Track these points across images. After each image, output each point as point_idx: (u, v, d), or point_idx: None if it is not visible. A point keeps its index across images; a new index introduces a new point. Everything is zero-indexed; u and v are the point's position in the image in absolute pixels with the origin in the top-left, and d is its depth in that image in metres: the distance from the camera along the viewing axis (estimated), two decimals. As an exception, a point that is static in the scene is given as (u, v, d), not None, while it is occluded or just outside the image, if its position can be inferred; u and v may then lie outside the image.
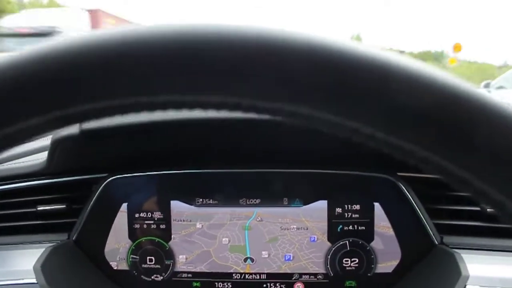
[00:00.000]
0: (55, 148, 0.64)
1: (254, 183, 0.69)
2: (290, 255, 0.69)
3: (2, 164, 0.77)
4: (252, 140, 0.66)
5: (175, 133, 0.64)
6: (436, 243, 0.67)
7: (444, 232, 0.68)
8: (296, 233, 0.69)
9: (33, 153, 0.80)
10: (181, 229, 0.70)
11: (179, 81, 0.18)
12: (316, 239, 0.69)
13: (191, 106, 0.19)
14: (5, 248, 0.72)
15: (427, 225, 0.67)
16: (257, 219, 0.69)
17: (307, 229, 0.69)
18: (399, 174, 0.68)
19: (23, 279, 0.66)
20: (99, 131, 0.58)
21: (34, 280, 0.63)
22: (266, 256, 0.69)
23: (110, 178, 0.70)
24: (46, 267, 0.64)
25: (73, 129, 0.61)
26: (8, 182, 0.74)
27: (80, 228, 0.71)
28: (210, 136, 0.66)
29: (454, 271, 0.62)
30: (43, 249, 0.67)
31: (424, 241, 0.68)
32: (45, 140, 0.83)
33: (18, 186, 0.74)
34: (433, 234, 0.67)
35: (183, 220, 0.69)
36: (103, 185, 0.70)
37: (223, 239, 0.69)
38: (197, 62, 0.18)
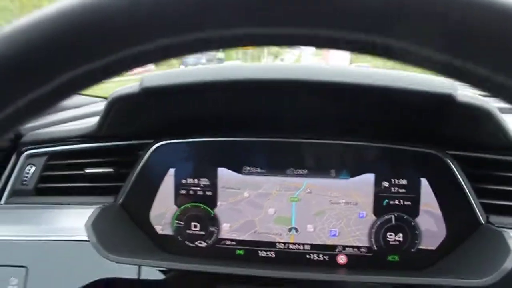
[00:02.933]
0: (111, 106, 0.65)
1: (302, 153, 0.69)
2: (336, 231, 0.69)
3: (55, 126, 0.79)
4: (302, 109, 0.66)
5: (226, 98, 0.64)
6: (483, 222, 0.67)
7: (490, 212, 0.68)
8: (344, 208, 0.69)
9: (83, 117, 0.82)
10: (228, 196, 0.70)
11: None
12: (365, 216, 0.69)
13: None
14: (55, 207, 0.74)
15: (474, 204, 0.67)
16: (306, 191, 0.69)
17: (356, 204, 0.69)
18: (448, 151, 0.68)
19: (74, 235, 0.67)
20: (160, 88, 0.59)
21: (85, 238, 0.65)
22: (312, 230, 0.70)
23: (158, 144, 0.71)
24: (96, 226, 0.66)
25: (133, 88, 0.62)
26: (59, 143, 0.76)
27: (126, 192, 0.72)
28: (260, 104, 0.67)
29: (503, 249, 0.61)
30: (91, 210, 0.69)
31: (470, 220, 0.67)
32: (95, 106, 0.85)
33: (68, 148, 0.76)
34: (480, 213, 0.67)
35: (231, 188, 0.70)
36: (150, 150, 0.71)
37: (269, 210, 0.70)
38: None
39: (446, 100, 0.57)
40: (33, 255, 0.67)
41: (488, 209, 0.68)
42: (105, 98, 0.84)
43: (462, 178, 0.67)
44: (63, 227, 0.69)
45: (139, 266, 0.67)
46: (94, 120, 0.74)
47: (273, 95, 0.61)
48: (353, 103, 0.62)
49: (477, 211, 0.67)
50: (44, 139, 0.77)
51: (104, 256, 0.63)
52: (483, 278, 0.59)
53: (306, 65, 0.63)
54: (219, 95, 0.61)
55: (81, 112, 0.86)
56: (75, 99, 0.93)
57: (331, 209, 0.69)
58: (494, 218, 0.68)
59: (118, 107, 0.65)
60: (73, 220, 0.70)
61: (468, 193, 0.67)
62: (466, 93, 0.60)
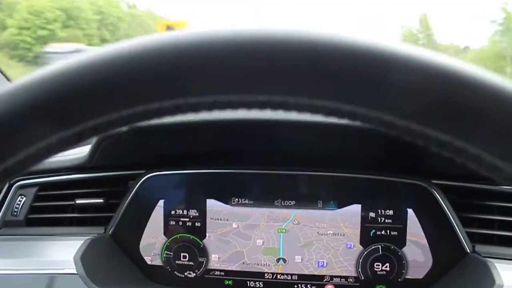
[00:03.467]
0: (100, 143, 0.66)
1: (290, 184, 0.70)
2: (324, 262, 0.70)
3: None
4: (289, 142, 0.68)
5: (214, 133, 0.66)
6: (468, 251, 0.68)
7: (476, 241, 0.69)
8: (332, 239, 0.70)
9: (75, 147, 0.82)
10: (217, 227, 0.71)
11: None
12: (352, 246, 0.69)
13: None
14: (45, 239, 0.74)
15: (460, 233, 0.68)
16: (294, 222, 0.70)
17: (343, 235, 0.69)
18: (433, 181, 0.69)
19: (63, 269, 0.68)
20: (147, 127, 0.60)
21: (73, 271, 0.65)
22: (299, 260, 0.70)
23: (148, 175, 0.72)
24: (85, 258, 0.66)
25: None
26: (50, 174, 0.76)
27: (116, 222, 0.73)
28: (248, 137, 0.68)
29: (487, 280, 0.62)
30: (81, 241, 0.69)
31: (456, 249, 0.68)
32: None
33: (59, 179, 0.76)
34: (465, 243, 0.68)
35: (220, 219, 0.71)
36: (140, 181, 0.72)
37: (258, 241, 0.71)
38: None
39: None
40: (22, 288, 0.68)
41: (474, 239, 0.69)
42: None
43: (447, 208, 0.68)
44: (53, 259, 0.70)
45: (128, 299, 0.67)
46: (86, 149, 0.75)
47: (259, 131, 0.62)
48: (335, 138, 0.64)
49: (463, 240, 0.68)
50: (35, 170, 0.77)
51: (92, 289, 0.63)
52: (466, 310, 0.60)
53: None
54: (202, 132, 0.62)
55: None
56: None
57: (318, 240, 0.70)
58: (480, 248, 0.69)
59: (106, 144, 0.66)
60: (63, 252, 0.70)
61: (454, 222, 0.68)
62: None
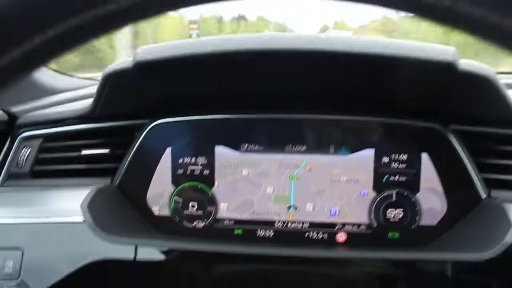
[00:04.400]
0: (106, 82, 0.64)
1: (301, 129, 0.68)
2: (336, 210, 0.68)
3: (50, 108, 0.78)
4: (299, 83, 0.65)
5: (220, 73, 0.63)
6: (483, 197, 0.66)
7: (492, 186, 0.67)
8: (345, 186, 0.68)
9: (78, 99, 0.81)
10: (226, 175, 0.69)
11: None
12: (366, 194, 0.68)
13: None
14: (51, 189, 0.73)
15: (475, 179, 0.66)
16: (306, 168, 0.68)
17: (357, 182, 0.68)
18: (449, 126, 0.67)
19: (70, 217, 0.67)
20: (153, 61, 0.57)
21: (81, 219, 0.64)
22: (311, 209, 0.69)
23: (153, 123, 0.70)
24: (92, 207, 0.65)
25: (126, 62, 0.61)
26: (54, 125, 0.75)
27: (122, 173, 0.71)
28: (258, 78, 0.65)
29: (503, 223, 0.61)
30: (88, 191, 0.68)
31: (471, 195, 0.66)
32: (90, 89, 0.84)
33: (64, 130, 0.75)
34: (481, 188, 0.66)
35: (229, 166, 0.69)
36: (146, 130, 0.70)
37: (268, 188, 0.69)
38: None
39: (447, 68, 0.56)
40: (28, 238, 0.67)
41: (490, 184, 0.67)
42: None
43: (463, 153, 0.66)
44: (59, 209, 0.69)
45: (136, 247, 0.66)
46: (90, 101, 0.73)
47: (269, 66, 0.60)
48: (350, 74, 0.61)
49: (478, 186, 0.66)
50: (39, 121, 0.76)
51: (100, 237, 0.62)
52: (484, 252, 0.59)
53: (302, 35, 0.61)
54: (215, 68, 0.59)
55: (76, 94, 0.84)
56: (71, 81, 0.92)
57: (331, 188, 0.68)
58: (496, 193, 0.67)
59: (112, 84, 0.64)
60: (69, 202, 0.69)
61: (470, 168, 0.66)
62: (467, 61, 0.58)
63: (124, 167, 0.71)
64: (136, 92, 0.66)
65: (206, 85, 0.64)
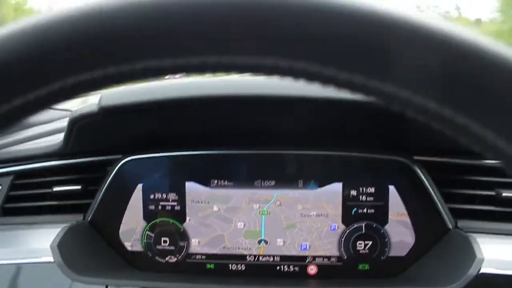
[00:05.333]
0: (73, 126, 0.65)
1: (269, 164, 0.69)
2: (306, 244, 0.69)
3: (21, 144, 0.77)
4: (266, 121, 0.66)
5: (191, 113, 0.64)
6: (451, 227, 0.67)
7: (459, 216, 0.68)
8: (315, 220, 0.69)
9: (50, 134, 0.81)
10: (197, 211, 0.70)
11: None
12: (336, 228, 0.69)
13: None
14: (22, 228, 0.72)
15: (442, 209, 0.67)
16: (276, 203, 0.69)
17: (327, 216, 0.69)
18: (414, 157, 0.68)
19: (40, 257, 0.66)
20: (118, 107, 0.58)
21: (51, 259, 0.64)
22: (281, 244, 0.69)
23: (125, 159, 0.70)
24: (62, 245, 0.65)
25: (91, 107, 0.61)
26: (25, 162, 0.74)
27: (95, 208, 0.71)
28: (225, 117, 0.66)
29: (468, 254, 0.62)
30: (59, 229, 0.68)
31: (439, 225, 0.68)
32: (63, 122, 0.83)
33: (35, 167, 0.75)
34: (448, 218, 0.67)
35: (200, 202, 0.70)
36: (118, 166, 0.70)
37: (239, 223, 0.69)
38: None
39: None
40: (-1, 279, 0.66)
41: (457, 214, 0.69)
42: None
43: (429, 184, 0.67)
44: (30, 248, 0.68)
45: (106, 286, 0.66)
46: (61, 136, 0.73)
47: (235, 111, 0.61)
48: (315, 114, 0.62)
49: (445, 216, 0.67)
50: (10, 158, 0.76)
51: (69, 277, 0.62)
52: (448, 285, 0.60)
53: (264, 80, 0.62)
54: (177, 111, 0.60)
55: (48, 128, 0.84)
56: (42, 114, 0.92)
57: (302, 222, 0.69)
58: (462, 223, 0.68)
59: (79, 126, 0.64)
60: (41, 241, 0.69)
61: (436, 198, 0.67)
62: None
63: (96, 203, 0.71)
64: (104, 133, 0.67)
65: (171, 126, 0.65)
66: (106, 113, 0.58)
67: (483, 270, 0.60)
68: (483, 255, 0.60)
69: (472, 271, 0.59)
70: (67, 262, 0.63)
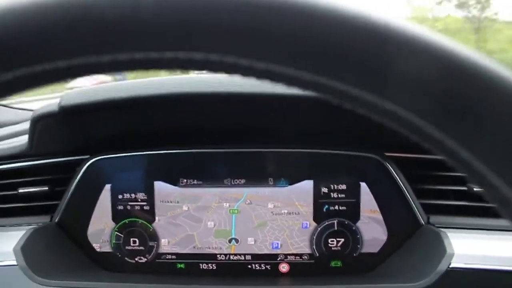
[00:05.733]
0: (35, 126, 0.63)
1: (239, 162, 0.68)
2: (278, 243, 0.68)
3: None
4: (235, 118, 0.65)
5: (157, 111, 0.63)
6: (423, 223, 0.67)
7: (431, 212, 0.68)
8: (287, 218, 0.68)
9: (16, 135, 0.79)
10: (166, 210, 0.69)
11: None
12: (308, 225, 0.68)
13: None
14: (-14, 230, 0.70)
15: (414, 205, 0.67)
16: (247, 202, 0.68)
17: (298, 214, 0.68)
18: (386, 154, 0.67)
19: (3, 260, 0.65)
20: (78, 107, 0.57)
21: (14, 262, 0.62)
22: (253, 242, 0.68)
23: (93, 159, 0.69)
24: (26, 249, 0.63)
25: (52, 106, 0.59)
26: (-11, 164, 0.72)
27: (62, 210, 0.70)
28: (192, 116, 0.65)
29: (439, 250, 0.62)
30: (25, 231, 0.66)
31: (411, 221, 0.67)
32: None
33: (0, 168, 0.73)
34: (420, 214, 0.67)
35: (170, 202, 0.68)
36: (85, 166, 0.69)
37: (209, 223, 0.68)
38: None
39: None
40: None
41: (429, 210, 0.68)
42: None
43: (401, 180, 0.67)
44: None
45: (72, 289, 0.65)
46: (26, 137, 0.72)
47: (203, 108, 0.60)
48: (284, 112, 0.61)
49: (417, 212, 0.67)
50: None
51: (34, 281, 0.61)
52: (419, 281, 0.59)
53: (230, 77, 0.60)
54: (143, 111, 0.59)
55: (15, 129, 0.82)
56: (13, 114, 0.90)
57: (273, 220, 0.68)
58: (434, 219, 0.68)
59: (41, 127, 0.63)
60: (6, 244, 0.67)
61: (408, 194, 0.67)
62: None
63: (64, 204, 0.70)
64: (69, 133, 0.65)
65: (137, 125, 0.63)
66: (66, 112, 0.57)
67: (453, 265, 0.60)
68: (454, 250, 0.60)
69: (442, 267, 0.59)
70: (31, 265, 0.62)
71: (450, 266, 0.59)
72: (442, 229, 0.65)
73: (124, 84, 0.60)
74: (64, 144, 0.70)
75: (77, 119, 0.61)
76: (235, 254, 0.69)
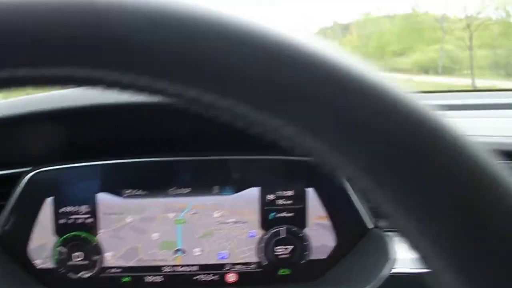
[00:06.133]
0: None
1: (183, 171, 0.67)
2: (225, 253, 0.67)
3: None
4: (177, 127, 0.64)
5: (94, 122, 0.61)
6: (370, 227, 0.67)
7: (379, 215, 0.68)
8: (234, 227, 0.67)
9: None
10: (110, 223, 0.67)
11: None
12: (256, 234, 0.67)
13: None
14: None
15: (361, 209, 0.67)
16: (192, 212, 0.66)
17: (245, 222, 0.67)
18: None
19: None
20: (9, 118, 0.55)
21: None
22: (199, 253, 0.67)
23: (33, 172, 0.67)
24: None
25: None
26: None
27: (1, 225, 0.67)
28: (135, 124, 0.64)
29: (383, 255, 0.62)
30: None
31: (358, 226, 0.67)
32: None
33: None
34: (367, 218, 0.67)
35: (113, 214, 0.66)
36: (26, 178, 0.67)
37: (154, 234, 0.67)
38: None
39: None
40: None
41: (377, 213, 0.68)
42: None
43: (347, 185, 0.67)
44: None
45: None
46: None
47: (141, 117, 0.58)
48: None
49: (365, 216, 0.67)
50: None
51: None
52: (363, 286, 0.59)
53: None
54: (79, 121, 0.57)
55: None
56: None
57: (219, 230, 0.67)
58: (383, 222, 0.68)
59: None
60: None
61: (355, 199, 0.67)
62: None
63: (3, 219, 0.67)
64: (5, 144, 0.63)
65: (73, 136, 0.61)
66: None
67: (397, 270, 0.60)
68: (396, 256, 0.60)
69: (385, 272, 0.59)
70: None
71: (393, 271, 0.59)
72: (389, 233, 0.65)
73: (60, 93, 0.59)
74: (2, 157, 0.68)
75: (11, 131, 0.59)
76: (181, 265, 0.67)
